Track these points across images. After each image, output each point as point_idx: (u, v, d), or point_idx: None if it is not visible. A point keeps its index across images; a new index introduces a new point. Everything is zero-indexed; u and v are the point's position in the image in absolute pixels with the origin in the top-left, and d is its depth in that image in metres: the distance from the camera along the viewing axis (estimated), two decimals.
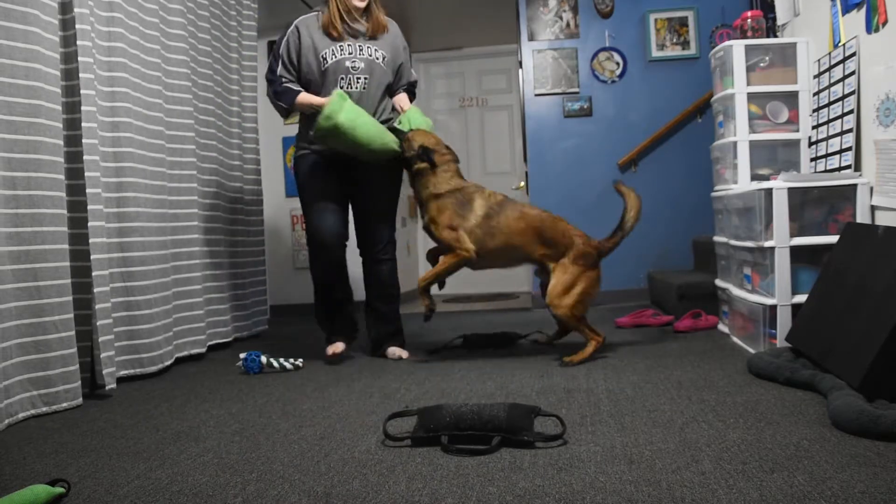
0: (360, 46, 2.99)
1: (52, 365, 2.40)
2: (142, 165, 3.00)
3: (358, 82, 2.98)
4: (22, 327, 2.33)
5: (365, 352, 3.29)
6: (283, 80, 2.97)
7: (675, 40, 4.72)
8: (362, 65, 2.98)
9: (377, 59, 3.01)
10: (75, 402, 2.46)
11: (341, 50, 2.96)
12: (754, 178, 3.16)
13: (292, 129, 5.15)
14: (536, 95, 4.85)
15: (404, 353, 3.12)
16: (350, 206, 3.16)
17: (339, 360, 3.10)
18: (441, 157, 2.91)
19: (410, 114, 3.06)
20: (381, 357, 3.16)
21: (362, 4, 2.97)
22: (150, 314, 2.98)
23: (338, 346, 3.09)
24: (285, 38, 2.97)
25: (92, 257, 2.59)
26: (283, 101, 2.98)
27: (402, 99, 3.16)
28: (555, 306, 2.80)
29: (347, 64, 2.96)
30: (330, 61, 2.95)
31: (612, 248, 2.91)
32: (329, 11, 2.96)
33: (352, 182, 3.09)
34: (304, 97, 2.95)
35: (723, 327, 3.34)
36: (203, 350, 3.41)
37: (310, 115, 2.94)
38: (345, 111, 2.75)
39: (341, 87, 2.94)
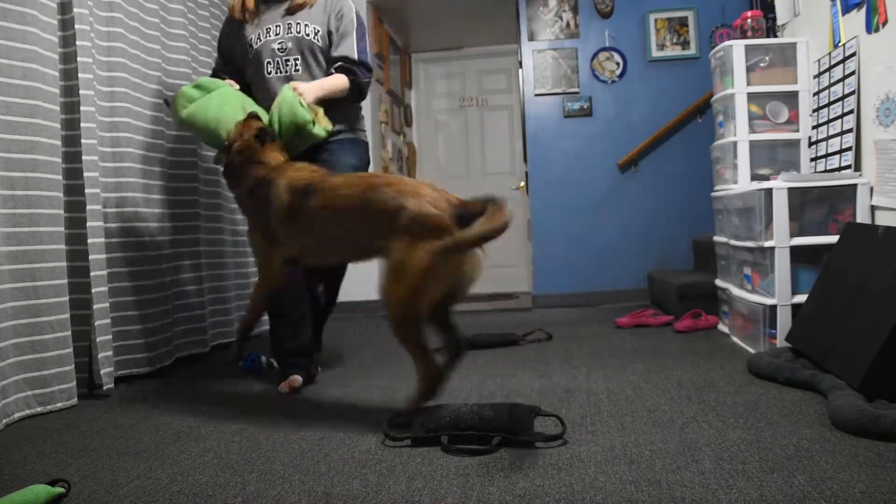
0: (288, 24, 2.64)
1: (48, 365, 2.39)
2: (141, 165, 3.00)
3: (288, 65, 2.64)
4: (19, 327, 2.33)
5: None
6: (218, 72, 2.82)
7: (675, 40, 4.72)
8: (290, 44, 2.64)
9: (307, 34, 2.64)
10: (70, 402, 2.46)
11: (267, 32, 2.65)
12: (754, 178, 3.16)
13: None
14: (536, 95, 4.84)
15: (298, 380, 2.59)
16: None
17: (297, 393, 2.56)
18: (240, 151, 2.34)
19: (279, 100, 2.50)
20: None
21: None
22: (150, 314, 2.98)
23: (294, 380, 2.56)
24: (220, 34, 2.85)
25: (90, 257, 2.59)
26: None
27: (313, 83, 2.58)
28: (383, 297, 1.92)
29: (274, 46, 2.64)
30: (255, 46, 2.66)
31: (474, 208, 1.90)
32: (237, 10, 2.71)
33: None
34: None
35: (723, 327, 3.34)
36: (205, 350, 3.41)
37: None
38: (189, 109, 2.49)
39: (269, 73, 2.65)
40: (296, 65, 2.66)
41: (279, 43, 2.65)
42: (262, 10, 2.71)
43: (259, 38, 2.68)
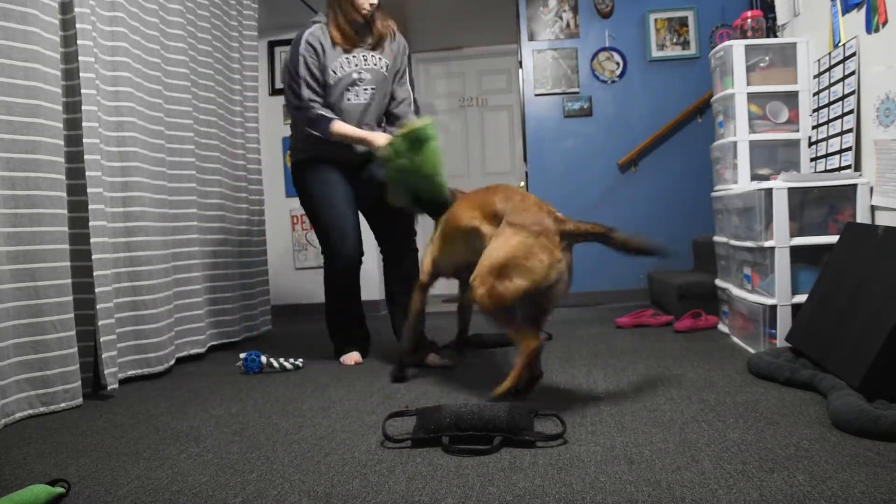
0: (364, 56, 2.91)
1: (51, 365, 2.40)
2: (146, 165, 3.01)
3: (365, 94, 2.91)
4: (20, 327, 2.33)
5: (386, 358, 3.23)
6: (312, 104, 2.83)
7: (675, 40, 4.72)
8: (369, 76, 2.91)
9: (381, 68, 2.94)
10: (74, 402, 2.46)
11: (348, 62, 2.88)
12: (754, 178, 3.16)
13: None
14: (536, 95, 4.84)
15: (448, 361, 2.86)
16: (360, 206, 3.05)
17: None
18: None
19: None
20: (422, 366, 2.85)
21: (366, 12, 2.85)
22: (156, 314, 2.98)
23: (356, 356, 3.07)
24: (300, 58, 2.81)
25: (94, 257, 2.59)
26: (316, 130, 2.83)
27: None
28: (472, 283, 2.17)
29: (354, 76, 2.89)
30: (339, 74, 2.86)
31: (584, 230, 2.29)
32: (334, 22, 2.85)
33: (360, 181, 2.99)
34: (342, 128, 2.82)
35: (723, 327, 3.34)
36: (202, 350, 3.41)
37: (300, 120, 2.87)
38: (431, 151, 2.64)
39: (348, 100, 2.88)
40: (371, 93, 2.94)
41: (358, 73, 2.90)
42: (355, 41, 2.90)
43: (342, 67, 2.87)
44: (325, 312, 3.15)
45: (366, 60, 2.91)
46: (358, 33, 2.90)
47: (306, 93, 2.82)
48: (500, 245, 2.11)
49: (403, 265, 3.07)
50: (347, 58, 2.88)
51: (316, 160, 2.95)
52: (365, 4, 2.83)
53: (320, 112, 2.82)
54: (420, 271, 2.70)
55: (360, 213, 3.06)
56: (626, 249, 2.21)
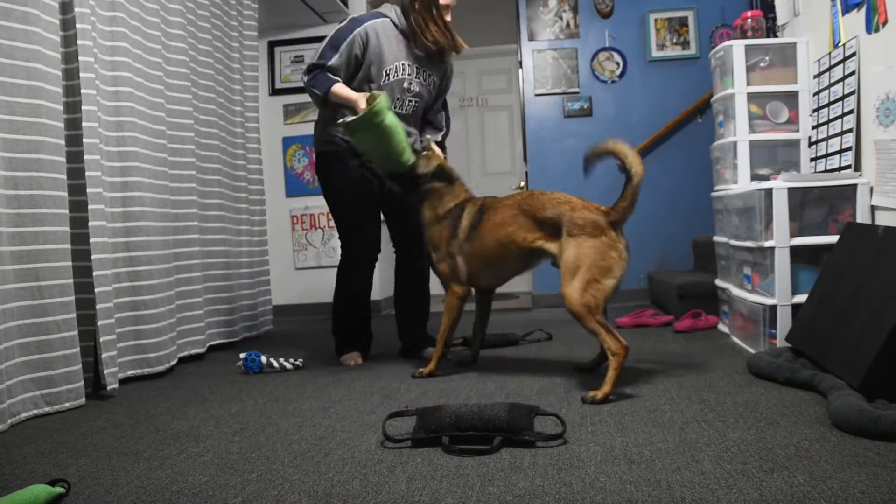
0: (419, 69, 2.90)
1: (55, 365, 2.40)
2: (146, 165, 3.01)
3: (409, 104, 2.92)
4: (24, 327, 2.33)
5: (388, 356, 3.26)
6: (329, 70, 2.80)
7: (675, 40, 4.72)
8: (417, 88, 2.91)
9: (431, 85, 2.96)
10: (78, 401, 2.46)
11: (404, 69, 2.86)
12: (754, 178, 3.16)
13: (292, 130, 5.18)
14: (536, 95, 4.85)
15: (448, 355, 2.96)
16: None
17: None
18: (454, 181, 2.76)
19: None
20: (416, 357, 3.05)
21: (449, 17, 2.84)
22: (157, 314, 2.98)
23: (357, 357, 3.05)
24: (353, 35, 2.79)
25: (93, 257, 2.59)
26: (317, 89, 2.78)
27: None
28: (564, 293, 2.29)
29: (405, 85, 2.88)
30: (392, 78, 2.84)
31: (626, 209, 2.40)
32: (418, 21, 2.80)
33: (382, 178, 2.95)
34: (341, 88, 2.76)
35: (723, 327, 3.34)
36: (202, 350, 3.41)
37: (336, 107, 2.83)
38: (391, 114, 2.65)
39: (394, 107, 2.82)
40: (416, 105, 2.95)
41: (409, 83, 2.89)
42: (401, 43, 2.86)
43: (397, 72, 2.86)
44: (332, 309, 3.10)
45: (419, 73, 2.90)
46: (415, 46, 2.87)
47: (335, 60, 2.78)
48: (577, 254, 2.28)
49: (416, 266, 3.09)
50: (405, 63, 2.86)
51: (343, 154, 2.90)
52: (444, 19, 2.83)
53: (328, 74, 2.79)
54: (451, 279, 2.66)
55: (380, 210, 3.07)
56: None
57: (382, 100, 2.61)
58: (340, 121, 2.71)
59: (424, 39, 2.82)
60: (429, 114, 3.09)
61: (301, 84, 2.92)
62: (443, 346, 2.69)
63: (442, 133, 3.15)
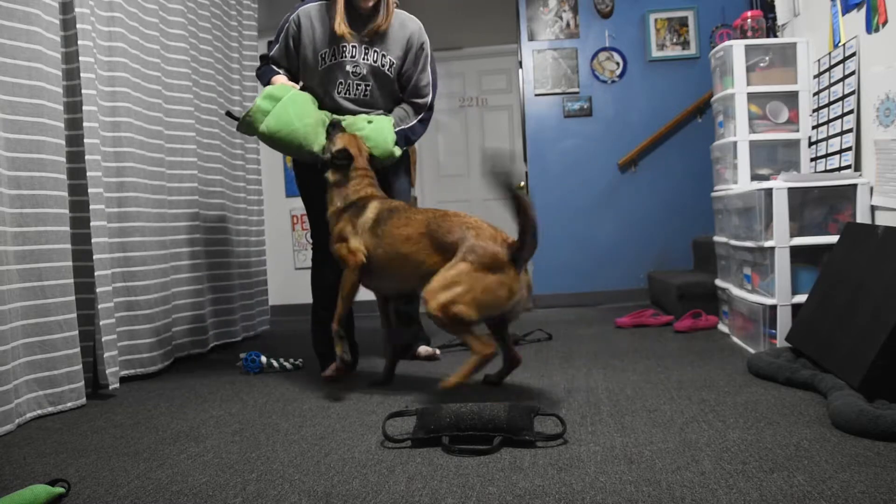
0: (365, 50, 2.68)
1: (58, 365, 2.40)
2: (142, 165, 3.01)
3: (358, 89, 2.71)
4: (28, 327, 2.33)
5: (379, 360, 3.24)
6: (274, 62, 2.76)
7: (675, 40, 4.72)
8: (364, 71, 2.69)
9: (383, 65, 2.71)
10: (79, 401, 2.46)
11: (342, 52, 2.67)
12: (754, 178, 3.16)
13: None
14: (536, 95, 4.84)
15: (437, 351, 3.00)
16: None
17: (339, 380, 2.67)
18: (357, 170, 2.53)
19: (376, 126, 2.65)
20: (412, 359, 2.98)
21: (370, 3, 2.63)
22: (151, 314, 2.98)
23: (339, 366, 2.66)
24: (287, 23, 2.74)
25: (94, 257, 2.60)
26: (261, 81, 2.75)
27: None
28: (426, 301, 2.19)
29: (348, 68, 2.68)
30: (328, 62, 2.68)
31: (529, 244, 2.15)
32: (335, 6, 2.64)
33: None
34: (278, 80, 2.66)
35: (723, 327, 3.34)
36: (204, 350, 3.41)
37: None
38: (267, 122, 2.50)
39: (339, 93, 2.70)
40: (366, 90, 2.73)
41: (354, 66, 2.68)
42: (349, 33, 2.66)
43: (334, 56, 2.68)
44: (311, 319, 2.90)
45: (366, 54, 2.69)
46: (355, 23, 2.67)
47: (276, 52, 2.75)
48: (458, 274, 2.16)
49: None
50: (343, 46, 2.67)
51: None
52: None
53: (272, 67, 2.75)
54: (346, 258, 2.44)
55: None
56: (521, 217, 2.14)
57: (256, 109, 2.51)
58: (236, 128, 2.66)
59: (344, 21, 2.62)
60: (405, 95, 2.82)
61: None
62: (337, 324, 2.44)
63: (407, 121, 2.79)
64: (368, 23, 2.68)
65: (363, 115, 2.71)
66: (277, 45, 2.77)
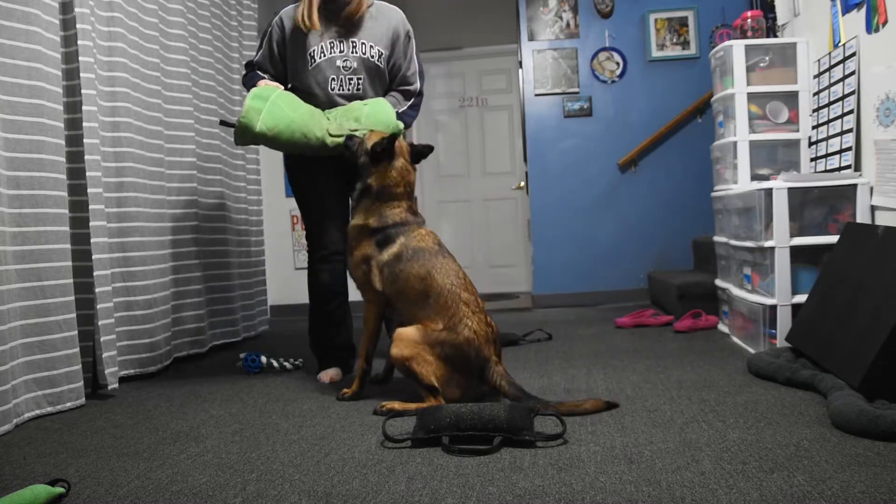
0: (352, 42, 2.67)
1: (57, 365, 2.40)
2: (141, 165, 3.01)
3: (350, 83, 2.69)
4: (26, 327, 2.33)
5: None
6: (259, 67, 2.74)
7: (675, 40, 4.72)
8: (355, 64, 2.68)
9: (372, 56, 2.69)
10: (79, 401, 2.46)
11: (331, 47, 2.66)
12: (754, 178, 3.16)
13: None
14: (536, 95, 4.85)
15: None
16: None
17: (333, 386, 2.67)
18: (398, 186, 2.42)
19: (374, 106, 2.64)
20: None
21: None
22: (151, 314, 2.98)
23: (333, 373, 2.74)
24: (270, 27, 2.71)
25: (94, 257, 2.60)
26: (246, 88, 2.75)
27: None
28: (392, 342, 2.23)
29: (339, 63, 2.66)
30: (318, 59, 2.66)
31: (494, 384, 2.16)
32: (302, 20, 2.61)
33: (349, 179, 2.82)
34: (263, 83, 2.65)
35: (723, 327, 3.34)
36: (203, 350, 3.41)
37: None
38: (262, 120, 2.48)
39: (332, 90, 2.68)
40: (358, 85, 2.71)
41: (344, 60, 2.68)
42: (322, 23, 2.66)
43: (322, 53, 2.67)
44: (308, 320, 2.88)
45: (354, 48, 2.68)
46: (332, 17, 2.66)
47: (260, 58, 2.74)
48: (431, 352, 2.18)
49: None
50: (332, 42, 2.66)
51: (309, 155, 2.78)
52: None
53: (256, 71, 2.74)
54: (365, 286, 2.43)
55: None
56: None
57: (248, 111, 2.49)
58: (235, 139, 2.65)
59: (316, 11, 2.60)
60: (394, 85, 2.82)
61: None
62: (363, 361, 2.43)
63: (399, 106, 2.77)
64: (337, 13, 2.65)
65: (357, 102, 2.69)
66: (262, 51, 2.77)
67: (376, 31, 2.72)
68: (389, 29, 2.73)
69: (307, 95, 2.70)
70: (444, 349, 2.18)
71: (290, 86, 2.77)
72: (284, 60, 2.74)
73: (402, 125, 2.69)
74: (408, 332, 2.22)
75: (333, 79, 2.70)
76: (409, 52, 2.81)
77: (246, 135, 2.57)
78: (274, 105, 2.52)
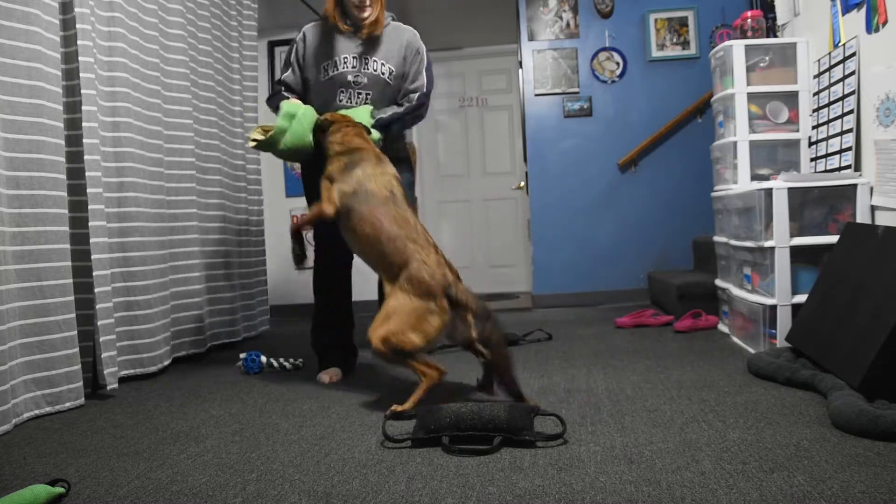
0: (365, 60, 2.77)
1: (56, 365, 2.40)
2: (141, 165, 3.01)
3: (359, 97, 2.79)
4: (26, 327, 2.33)
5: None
6: (282, 87, 2.84)
7: (675, 40, 4.72)
8: (365, 80, 2.78)
9: (383, 73, 2.78)
10: (78, 401, 2.46)
11: (344, 62, 2.77)
12: (754, 178, 3.16)
13: None
14: (536, 95, 4.85)
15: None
16: None
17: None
18: (338, 122, 2.58)
19: (354, 111, 2.74)
20: None
21: (363, 15, 2.71)
22: (151, 314, 2.98)
23: (334, 372, 2.78)
24: (294, 46, 2.84)
25: (93, 257, 2.60)
26: (269, 106, 2.84)
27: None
28: (369, 336, 2.21)
29: (349, 78, 2.76)
30: (331, 73, 2.77)
31: (462, 299, 2.19)
32: (327, 10, 2.77)
33: None
34: (292, 102, 2.71)
35: (723, 327, 3.34)
36: (202, 350, 3.41)
37: None
38: (285, 141, 2.60)
39: (340, 101, 2.78)
40: (366, 99, 2.79)
41: (355, 76, 2.76)
42: (336, 38, 2.77)
43: (336, 67, 2.77)
44: (312, 321, 2.92)
45: (366, 64, 2.78)
46: (349, 32, 2.77)
47: (286, 75, 2.83)
48: (396, 308, 2.20)
49: None
50: (345, 57, 2.77)
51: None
52: (353, 7, 2.70)
53: (281, 90, 2.82)
54: (326, 197, 2.47)
55: None
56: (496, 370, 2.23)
57: (278, 131, 2.59)
58: (252, 145, 2.72)
59: (352, 8, 2.70)
60: (398, 97, 2.87)
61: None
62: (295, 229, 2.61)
63: (392, 110, 2.81)
64: (361, 30, 2.76)
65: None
66: (289, 69, 2.84)
67: (391, 49, 2.81)
68: (402, 47, 2.82)
69: (316, 106, 2.76)
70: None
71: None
72: (306, 73, 2.82)
73: (375, 135, 2.68)
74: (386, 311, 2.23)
75: (342, 91, 2.78)
76: (418, 67, 2.85)
77: (267, 149, 2.69)
78: (298, 123, 2.61)
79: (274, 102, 2.79)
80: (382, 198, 2.39)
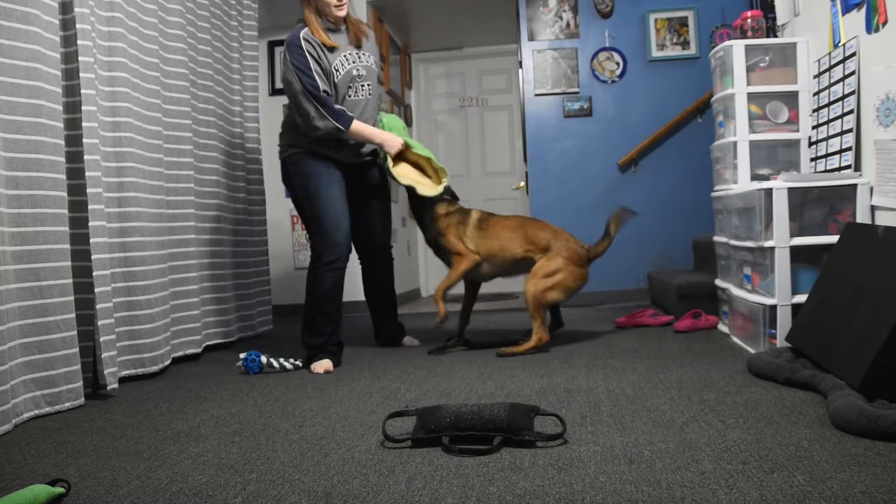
0: (358, 55, 3.00)
1: (56, 365, 2.40)
2: (141, 165, 3.01)
3: (363, 90, 3.01)
4: (25, 327, 2.33)
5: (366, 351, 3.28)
6: (330, 96, 2.90)
7: (675, 40, 4.72)
8: (365, 72, 3.01)
9: (373, 65, 3.07)
10: (77, 401, 2.46)
11: (347, 59, 2.96)
12: (754, 178, 3.16)
13: None
14: (536, 95, 4.85)
15: (416, 342, 3.42)
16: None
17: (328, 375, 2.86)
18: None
19: (391, 122, 3.21)
20: (397, 346, 3.42)
21: (342, 13, 2.93)
22: (151, 314, 2.98)
23: (327, 364, 2.91)
24: (305, 54, 2.84)
25: (93, 257, 2.60)
26: (341, 124, 2.87)
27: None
28: (525, 285, 2.99)
29: (354, 73, 2.97)
30: (342, 71, 2.94)
31: (601, 253, 3.19)
32: (309, 23, 2.90)
33: (355, 184, 3.12)
34: (360, 126, 2.94)
35: (723, 327, 3.34)
36: (198, 350, 3.41)
37: (300, 114, 2.90)
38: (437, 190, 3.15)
39: (349, 96, 2.96)
40: (368, 89, 3.05)
41: (357, 70, 2.99)
42: (332, 38, 2.96)
43: (343, 64, 2.96)
44: (303, 315, 3.03)
45: (360, 58, 3.00)
46: (335, 35, 2.98)
47: (322, 84, 2.88)
48: (553, 267, 3.04)
49: (381, 270, 3.31)
50: (346, 55, 2.95)
51: (312, 154, 3.01)
52: (332, 7, 2.90)
53: (343, 107, 2.93)
54: (458, 250, 3.12)
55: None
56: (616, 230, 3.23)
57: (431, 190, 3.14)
58: (407, 186, 3.14)
59: (323, 32, 2.91)
60: None
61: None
62: (442, 295, 3.13)
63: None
64: (345, 33, 3.02)
65: (391, 121, 3.22)
66: (319, 77, 2.87)
67: (369, 45, 3.10)
68: (375, 42, 3.18)
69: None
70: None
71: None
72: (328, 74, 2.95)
73: (412, 141, 3.21)
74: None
75: (350, 86, 2.98)
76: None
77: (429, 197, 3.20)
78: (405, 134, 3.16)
79: (346, 122, 2.89)
80: (490, 215, 3.25)
